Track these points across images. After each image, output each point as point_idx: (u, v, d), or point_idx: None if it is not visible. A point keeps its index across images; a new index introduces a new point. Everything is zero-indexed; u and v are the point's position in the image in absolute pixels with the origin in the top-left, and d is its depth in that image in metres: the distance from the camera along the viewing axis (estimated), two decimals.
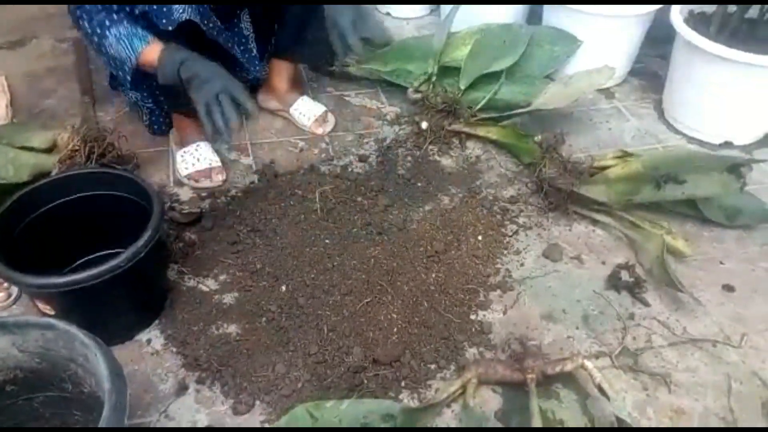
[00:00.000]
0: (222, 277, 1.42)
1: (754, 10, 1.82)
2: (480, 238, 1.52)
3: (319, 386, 1.20)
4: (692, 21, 1.85)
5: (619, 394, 1.18)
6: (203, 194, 1.63)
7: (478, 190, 1.67)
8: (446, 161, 1.77)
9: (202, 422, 1.16)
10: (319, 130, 1.85)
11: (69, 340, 0.99)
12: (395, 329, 1.30)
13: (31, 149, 1.50)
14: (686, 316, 1.37)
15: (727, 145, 1.86)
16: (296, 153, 1.79)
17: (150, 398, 1.19)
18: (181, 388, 1.20)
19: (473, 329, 1.32)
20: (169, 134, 1.77)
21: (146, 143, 1.77)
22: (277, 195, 1.61)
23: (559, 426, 1.15)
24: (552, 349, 1.29)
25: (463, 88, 1.88)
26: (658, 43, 2.07)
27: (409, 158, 1.77)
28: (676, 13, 1.81)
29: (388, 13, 2.48)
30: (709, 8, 1.87)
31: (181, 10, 1.34)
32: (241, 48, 1.68)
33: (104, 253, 1.35)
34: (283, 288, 1.38)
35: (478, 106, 1.85)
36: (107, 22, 1.32)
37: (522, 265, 1.48)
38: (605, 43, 1.99)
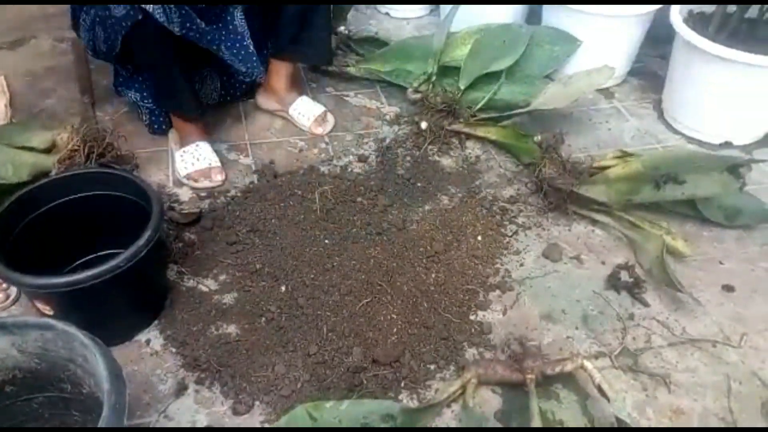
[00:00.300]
0: (221, 278, 1.42)
1: (753, 10, 1.82)
2: (479, 238, 1.52)
3: (318, 386, 1.20)
4: (692, 21, 1.85)
5: (618, 395, 1.18)
6: (202, 194, 1.63)
7: (478, 190, 1.67)
8: (446, 161, 1.77)
9: (202, 422, 1.15)
10: (319, 130, 1.85)
11: (68, 341, 0.99)
12: (395, 329, 1.30)
13: (30, 149, 1.50)
14: (686, 316, 1.37)
15: (727, 145, 1.86)
16: (296, 153, 1.79)
17: (149, 398, 1.19)
18: (181, 389, 1.20)
19: (473, 329, 1.32)
20: (169, 134, 1.76)
21: (145, 143, 1.77)
22: (277, 195, 1.61)
23: (559, 426, 1.15)
24: (551, 350, 1.29)
25: (462, 88, 1.88)
26: (657, 43, 2.07)
27: (409, 158, 1.77)
28: (676, 13, 1.81)
29: (387, 13, 2.48)
30: (709, 8, 1.87)
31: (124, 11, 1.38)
32: (235, 46, 1.63)
33: (104, 253, 1.35)
34: (283, 288, 1.38)
35: (478, 106, 1.85)
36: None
37: (521, 265, 1.48)
38: (605, 43, 1.99)
